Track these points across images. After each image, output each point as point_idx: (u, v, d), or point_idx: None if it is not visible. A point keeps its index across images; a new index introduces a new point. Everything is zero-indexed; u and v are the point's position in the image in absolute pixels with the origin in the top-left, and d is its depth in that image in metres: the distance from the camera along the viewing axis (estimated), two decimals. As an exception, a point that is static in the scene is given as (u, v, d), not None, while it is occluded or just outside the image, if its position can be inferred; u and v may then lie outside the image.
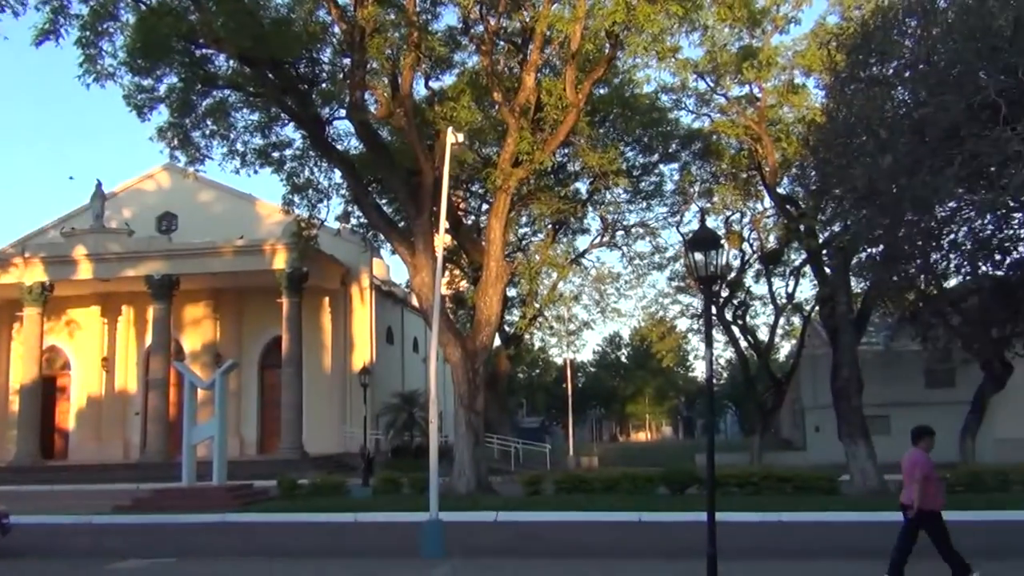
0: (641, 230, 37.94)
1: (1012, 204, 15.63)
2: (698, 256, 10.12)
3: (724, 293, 36.65)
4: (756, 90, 26.11)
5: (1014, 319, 21.21)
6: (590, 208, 36.90)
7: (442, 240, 18.59)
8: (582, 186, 35.19)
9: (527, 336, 43.88)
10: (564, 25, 21.41)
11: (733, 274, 34.85)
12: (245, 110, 24.37)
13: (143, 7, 20.53)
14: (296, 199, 25.93)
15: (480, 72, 25.42)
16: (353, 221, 32.19)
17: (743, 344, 40.24)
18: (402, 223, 25.84)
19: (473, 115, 23.19)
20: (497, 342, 35.29)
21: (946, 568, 9.41)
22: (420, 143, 23.15)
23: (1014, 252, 17.90)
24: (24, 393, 35.90)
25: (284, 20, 22.04)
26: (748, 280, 38.27)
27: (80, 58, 19.78)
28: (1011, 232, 17.58)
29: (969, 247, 18.05)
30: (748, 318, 40.20)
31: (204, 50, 21.85)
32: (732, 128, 27.00)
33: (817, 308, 29.56)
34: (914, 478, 9.45)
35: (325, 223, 28.18)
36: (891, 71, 17.83)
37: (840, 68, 20.08)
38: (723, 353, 53.47)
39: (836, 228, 21.98)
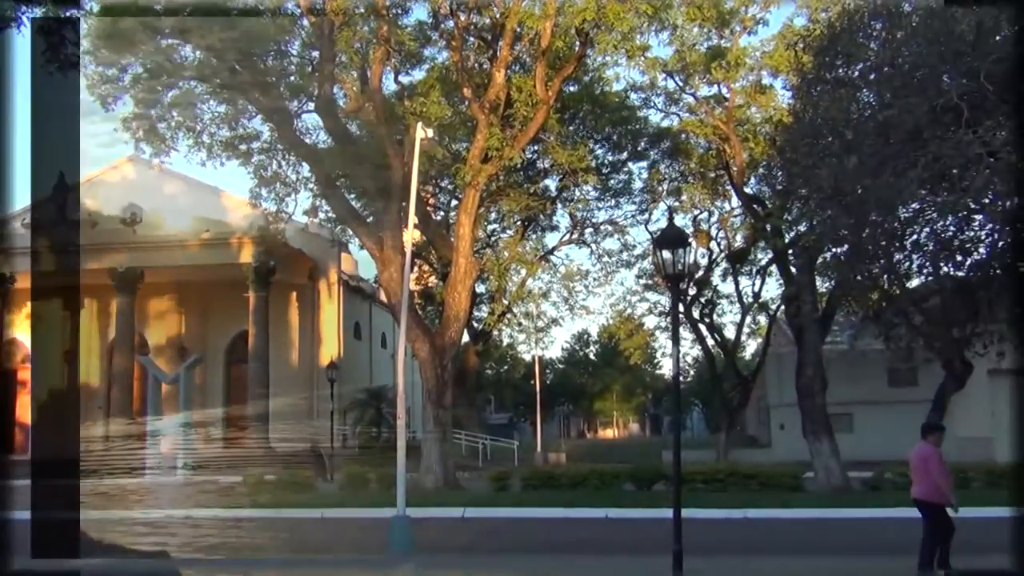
0: (610, 228, 38.06)
1: (973, 206, 15.88)
2: (666, 254, 10.21)
3: (691, 291, 36.88)
4: (724, 90, 26.30)
5: (974, 319, 21.56)
6: (559, 205, 36.97)
7: (411, 235, 18.50)
8: (551, 183, 35.32)
9: (496, 332, 43.83)
10: (534, 22, 21.44)
11: (700, 272, 35.05)
12: (212, 102, 24.03)
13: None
14: (264, 192, 25.63)
15: (450, 67, 25.39)
16: (321, 215, 31.81)
17: (710, 342, 40.65)
18: (371, 218, 25.71)
19: (443, 110, 23.12)
20: (465, 338, 35.26)
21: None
22: (389, 138, 23.02)
23: (975, 253, 18.15)
24: (-17, 387, 35.27)
25: (252, 11, 21.80)
26: (715, 279, 38.69)
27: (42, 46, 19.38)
28: (972, 234, 17.81)
29: (931, 248, 18.30)
30: (715, 316, 40.56)
31: (170, 40, 21.55)
32: (700, 127, 27.16)
33: (783, 307, 29.83)
34: (929, 472, 9.58)
35: (293, 217, 27.97)
36: (856, 73, 18.07)
37: (807, 69, 20.26)
38: (690, 351, 53.77)
39: (802, 228, 22.18)
